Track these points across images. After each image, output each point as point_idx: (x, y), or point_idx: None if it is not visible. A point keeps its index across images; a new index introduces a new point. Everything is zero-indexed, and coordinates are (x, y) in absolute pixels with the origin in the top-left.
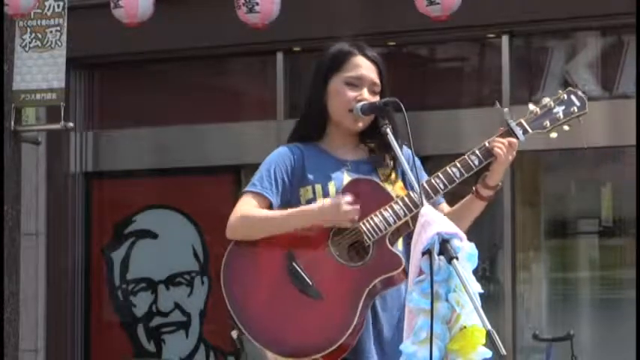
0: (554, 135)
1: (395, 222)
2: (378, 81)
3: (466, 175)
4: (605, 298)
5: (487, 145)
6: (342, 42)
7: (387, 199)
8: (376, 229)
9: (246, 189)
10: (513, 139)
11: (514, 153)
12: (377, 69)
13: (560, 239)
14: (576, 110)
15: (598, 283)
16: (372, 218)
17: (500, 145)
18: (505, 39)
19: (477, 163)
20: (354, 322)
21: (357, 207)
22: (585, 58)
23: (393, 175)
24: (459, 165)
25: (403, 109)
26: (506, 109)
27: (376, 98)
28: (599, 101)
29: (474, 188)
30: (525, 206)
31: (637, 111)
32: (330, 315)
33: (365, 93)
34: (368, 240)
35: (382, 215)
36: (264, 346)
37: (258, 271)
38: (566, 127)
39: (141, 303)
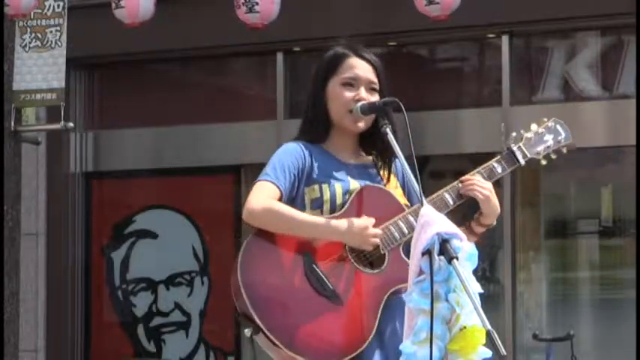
0: (544, 162)
1: (409, 233)
2: (375, 79)
3: (459, 202)
4: (605, 298)
5: (459, 185)
6: (338, 45)
7: (399, 208)
8: (392, 239)
9: (260, 178)
10: (488, 184)
11: (493, 194)
12: (373, 68)
13: (560, 239)
14: (562, 140)
15: (598, 283)
16: (388, 227)
17: (472, 190)
18: (505, 39)
19: (451, 202)
20: (374, 330)
21: (381, 233)
22: (585, 58)
23: (393, 181)
24: (451, 192)
25: (403, 109)
26: (513, 134)
27: (375, 96)
28: (599, 101)
29: (467, 223)
30: (525, 206)
31: (637, 111)
32: (350, 321)
33: (362, 92)
34: (384, 249)
35: (398, 225)
36: (283, 345)
37: (277, 272)
38: (553, 156)
39: (141, 303)
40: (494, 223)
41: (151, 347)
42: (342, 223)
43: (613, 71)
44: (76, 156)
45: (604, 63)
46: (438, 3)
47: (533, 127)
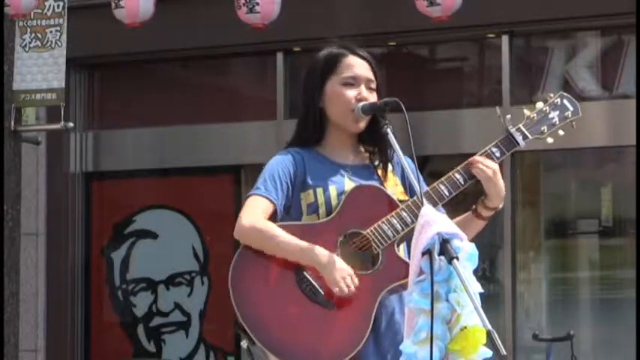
0: (550, 140)
1: (402, 229)
2: (372, 77)
3: (455, 194)
4: (605, 298)
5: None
6: (331, 45)
7: (392, 205)
8: (384, 237)
9: (252, 192)
10: (493, 164)
11: (498, 176)
12: (369, 66)
13: (560, 239)
14: (570, 115)
15: (598, 283)
16: (379, 226)
17: (478, 169)
18: (505, 39)
19: (462, 181)
20: (369, 330)
21: (352, 289)
22: (585, 58)
23: (392, 179)
24: (446, 183)
25: (404, 109)
26: (508, 116)
27: (374, 94)
28: (599, 101)
29: (474, 207)
30: (525, 206)
31: (637, 111)
32: (345, 324)
33: (363, 90)
34: (377, 248)
35: (390, 223)
36: (278, 356)
37: (268, 280)
38: (561, 132)
39: (141, 303)
40: (501, 206)
41: (151, 347)
42: (323, 259)
43: (613, 71)
44: (76, 156)
45: (604, 63)
46: (439, 4)
47: (539, 104)
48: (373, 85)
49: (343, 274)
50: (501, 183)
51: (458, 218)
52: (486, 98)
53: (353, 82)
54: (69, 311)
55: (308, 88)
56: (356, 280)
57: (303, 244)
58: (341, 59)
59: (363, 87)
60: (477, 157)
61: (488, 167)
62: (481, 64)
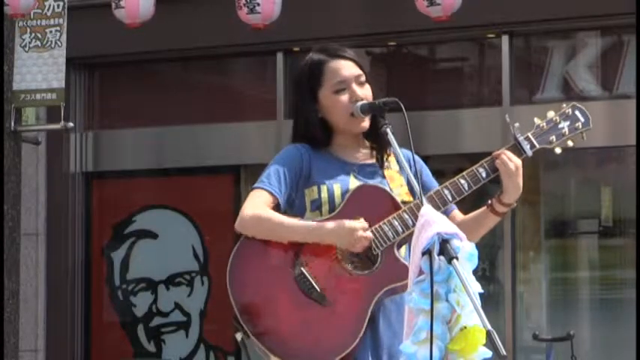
0: (558, 150)
1: (403, 231)
2: (359, 71)
3: (474, 187)
4: (605, 298)
5: (493, 157)
6: (311, 53)
7: (394, 206)
8: (384, 238)
9: (255, 185)
10: (517, 159)
11: (519, 172)
12: (353, 62)
13: (560, 239)
14: (581, 126)
15: (598, 283)
16: (380, 227)
17: (501, 161)
18: (505, 39)
19: (484, 175)
20: (362, 331)
21: (371, 236)
22: (585, 58)
23: (398, 179)
24: (467, 177)
25: (403, 108)
26: (517, 124)
27: (366, 87)
28: (599, 101)
29: (489, 202)
30: (525, 206)
31: (637, 111)
32: (338, 323)
33: (356, 90)
34: (376, 249)
35: (391, 224)
36: (269, 350)
37: (266, 275)
38: (570, 143)
39: (141, 303)
40: (515, 203)
41: (151, 347)
42: (330, 225)
43: (613, 71)
44: (76, 156)
45: (604, 63)
46: (439, 4)
47: (550, 114)
48: (363, 79)
49: (354, 234)
50: (520, 180)
51: (473, 213)
52: (486, 98)
53: (343, 85)
54: (69, 311)
55: (302, 101)
56: (365, 224)
57: (307, 222)
58: (323, 67)
59: (354, 86)
60: (500, 151)
61: (511, 161)
62: (481, 64)
